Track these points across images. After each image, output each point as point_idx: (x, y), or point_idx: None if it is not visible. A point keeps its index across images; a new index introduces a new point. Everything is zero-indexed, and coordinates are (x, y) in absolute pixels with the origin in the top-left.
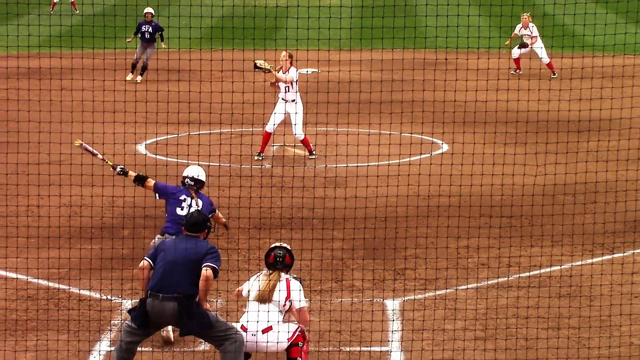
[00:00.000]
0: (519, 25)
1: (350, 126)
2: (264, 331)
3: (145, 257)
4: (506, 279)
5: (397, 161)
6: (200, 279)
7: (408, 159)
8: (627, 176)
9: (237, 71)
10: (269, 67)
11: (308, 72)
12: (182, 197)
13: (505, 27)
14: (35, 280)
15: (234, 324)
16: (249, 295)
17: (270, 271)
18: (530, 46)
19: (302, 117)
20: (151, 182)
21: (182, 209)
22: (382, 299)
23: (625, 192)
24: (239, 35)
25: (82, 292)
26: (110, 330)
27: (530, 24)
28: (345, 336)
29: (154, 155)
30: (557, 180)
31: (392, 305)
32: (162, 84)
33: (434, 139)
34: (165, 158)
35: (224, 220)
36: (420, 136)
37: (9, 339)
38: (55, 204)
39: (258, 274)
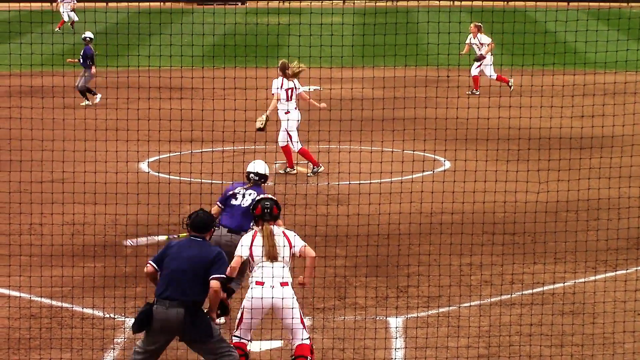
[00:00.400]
0: (470, 35)
1: (353, 143)
2: (282, 284)
3: (150, 262)
4: (509, 296)
5: (400, 178)
6: (210, 291)
7: (410, 176)
8: (630, 193)
9: (239, 89)
10: (264, 118)
11: (310, 90)
12: (237, 190)
13: (507, 45)
14: (39, 299)
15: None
16: (251, 257)
17: (260, 226)
18: (485, 56)
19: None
20: (216, 206)
21: (235, 199)
22: (385, 317)
23: (628, 209)
24: (241, 53)
25: (86, 310)
26: (114, 349)
27: (479, 34)
28: (348, 354)
29: (157, 174)
30: (559, 197)
31: (395, 322)
32: (165, 101)
33: (436, 156)
34: (168, 176)
35: None
36: (422, 153)
37: (13, 358)
38: (58, 222)
39: (245, 235)
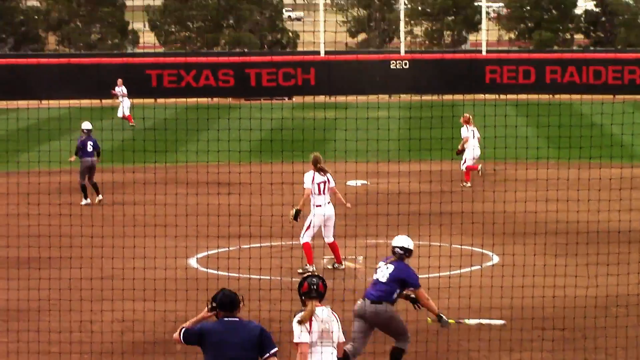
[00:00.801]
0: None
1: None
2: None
3: (181, 338)
4: None
5: (448, 273)
6: None
7: (458, 271)
8: None
9: (286, 184)
10: (294, 212)
11: (357, 184)
12: (379, 264)
13: (554, 138)
14: None
15: None
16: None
17: (306, 305)
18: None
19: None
20: None
21: (376, 272)
22: None
23: None
24: (288, 148)
25: None
26: None
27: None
28: None
29: (206, 269)
30: (609, 292)
31: None
32: (213, 197)
33: (484, 250)
34: (216, 272)
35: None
36: (470, 247)
37: None
38: (108, 319)
39: (295, 319)
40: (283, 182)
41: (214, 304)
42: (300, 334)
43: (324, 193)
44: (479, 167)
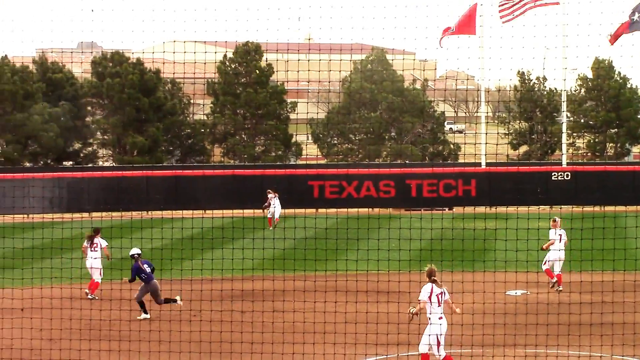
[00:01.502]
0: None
1: (560, 347)
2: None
3: None
4: None
5: None
6: None
7: None
8: None
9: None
10: (413, 311)
11: (517, 294)
12: None
13: None
14: None
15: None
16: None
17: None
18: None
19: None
20: None
21: None
22: None
23: None
24: (448, 257)
25: None
26: None
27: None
28: None
29: None
30: None
31: None
32: (371, 305)
33: None
34: None
35: None
36: (632, 359)
37: None
38: None
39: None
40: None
41: None
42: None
43: (440, 305)
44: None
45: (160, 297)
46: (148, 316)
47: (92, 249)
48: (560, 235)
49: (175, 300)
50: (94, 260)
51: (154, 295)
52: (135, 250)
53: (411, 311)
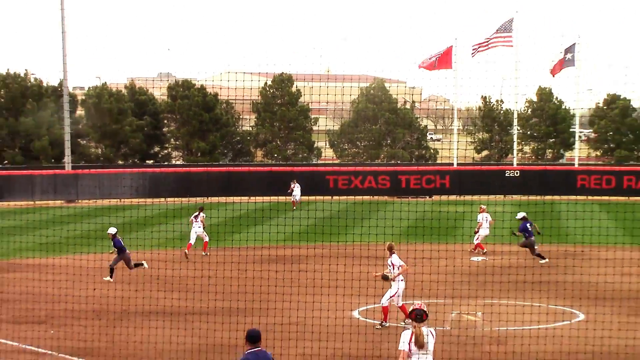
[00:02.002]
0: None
1: (509, 299)
2: None
3: None
4: None
5: (545, 326)
6: None
7: (553, 325)
8: None
9: (426, 258)
10: (388, 274)
11: (479, 260)
12: None
13: (628, 228)
14: None
15: None
16: (409, 347)
17: (414, 324)
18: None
19: (391, 292)
20: None
21: None
22: None
23: None
24: (428, 232)
25: None
26: None
27: (485, 213)
28: None
29: (365, 319)
30: None
31: None
32: (371, 267)
33: (573, 310)
34: (373, 321)
35: None
36: (562, 308)
37: None
38: (293, 353)
39: (404, 332)
40: (423, 258)
41: (246, 338)
42: (402, 344)
43: (397, 268)
44: (485, 249)
45: (131, 263)
46: (112, 280)
47: (196, 220)
48: (487, 217)
49: (142, 264)
50: (196, 229)
51: (127, 262)
52: (114, 230)
53: (383, 275)
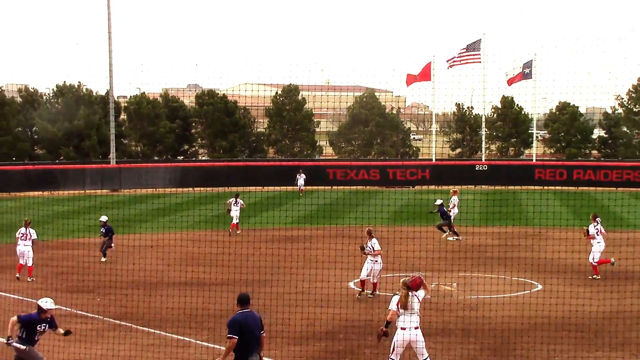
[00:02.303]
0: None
1: (479, 272)
2: (415, 328)
3: (234, 336)
4: None
5: (509, 295)
6: (263, 341)
7: (516, 294)
8: None
9: (410, 238)
10: (365, 247)
11: (454, 239)
12: None
13: (578, 212)
14: None
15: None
16: (397, 307)
17: (403, 290)
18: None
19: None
20: None
21: None
22: None
23: None
24: (412, 217)
25: None
26: None
27: (455, 196)
28: None
29: (359, 289)
30: (612, 308)
31: None
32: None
33: (532, 281)
34: (367, 291)
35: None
36: (523, 279)
37: None
38: (299, 317)
39: (393, 297)
40: (407, 238)
41: (237, 301)
42: (391, 304)
43: (374, 251)
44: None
45: (104, 248)
46: (105, 260)
47: (235, 205)
48: (456, 203)
49: (104, 256)
50: (235, 212)
51: (104, 245)
52: (105, 218)
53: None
